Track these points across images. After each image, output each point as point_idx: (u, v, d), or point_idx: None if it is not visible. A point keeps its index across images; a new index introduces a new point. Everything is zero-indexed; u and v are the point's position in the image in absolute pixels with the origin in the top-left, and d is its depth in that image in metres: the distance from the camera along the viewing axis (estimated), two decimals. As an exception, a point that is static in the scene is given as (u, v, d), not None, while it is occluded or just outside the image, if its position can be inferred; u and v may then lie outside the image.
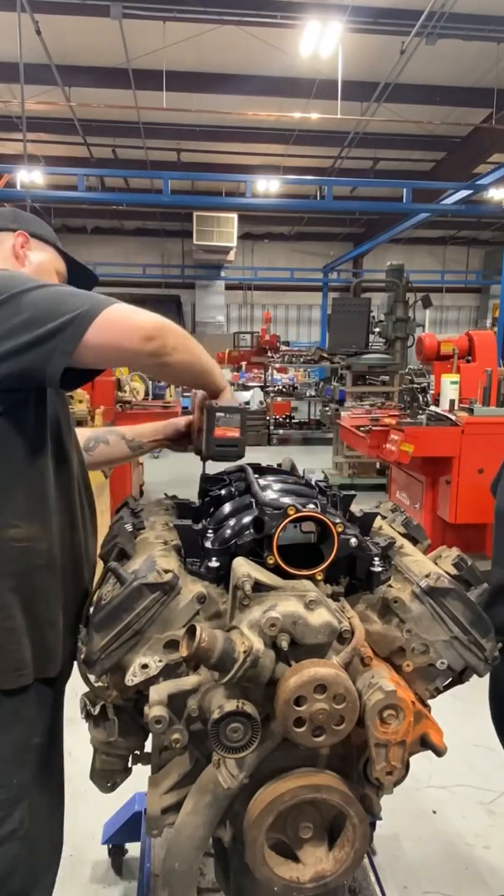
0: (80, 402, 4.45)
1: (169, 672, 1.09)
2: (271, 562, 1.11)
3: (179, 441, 1.64)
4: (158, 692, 1.05)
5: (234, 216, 14.14)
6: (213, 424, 1.36)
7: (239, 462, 1.54)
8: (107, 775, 1.33)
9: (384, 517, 1.50)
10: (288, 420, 12.18)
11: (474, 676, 1.21)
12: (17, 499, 1.21)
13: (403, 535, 1.41)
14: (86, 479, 1.45)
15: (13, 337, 1.12)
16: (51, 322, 1.12)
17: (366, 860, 1.77)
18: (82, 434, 1.63)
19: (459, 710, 2.53)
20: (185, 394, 9.37)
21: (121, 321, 1.17)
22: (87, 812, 2.24)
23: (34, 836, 1.24)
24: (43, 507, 1.24)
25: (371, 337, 8.65)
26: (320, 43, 7.47)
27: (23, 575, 1.20)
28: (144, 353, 1.17)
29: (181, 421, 1.64)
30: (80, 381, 1.24)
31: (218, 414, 1.36)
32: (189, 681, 1.08)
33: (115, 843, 2.23)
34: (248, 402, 11.57)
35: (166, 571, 1.09)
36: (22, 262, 1.40)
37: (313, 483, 1.45)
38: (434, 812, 2.56)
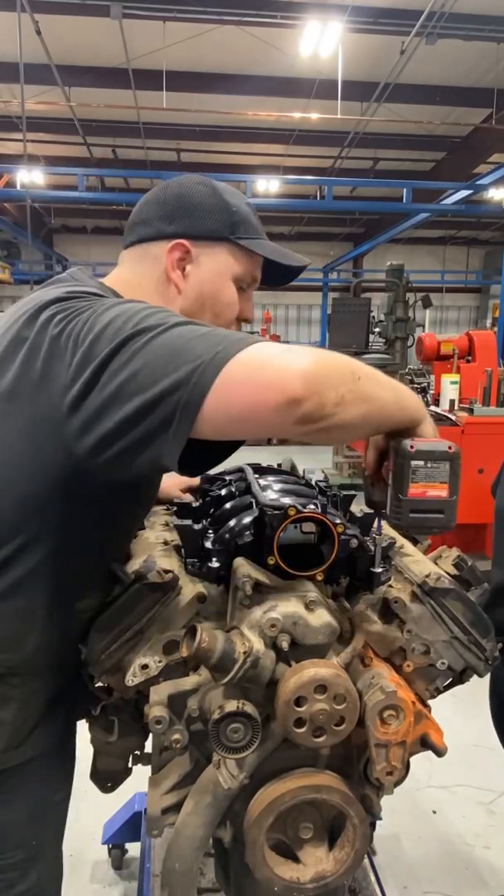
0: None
1: (169, 672, 1.09)
2: (271, 562, 1.11)
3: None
4: (158, 692, 1.05)
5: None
6: (406, 478, 0.93)
7: (238, 463, 1.53)
8: (107, 775, 1.33)
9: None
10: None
11: (474, 677, 1.21)
12: (92, 568, 1.08)
13: (404, 536, 1.41)
14: None
15: (122, 401, 0.82)
16: (163, 381, 0.81)
17: (366, 860, 1.77)
18: None
19: (460, 710, 2.53)
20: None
21: (253, 377, 0.80)
22: (87, 812, 2.24)
23: (46, 891, 1.21)
24: (108, 574, 1.10)
25: (371, 337, 8.65)
26: (320, 43, 7.48)
27: (72, 646, 1.10)
28: (290, 423, 0.82)
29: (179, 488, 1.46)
30: (214, 459, 0.94)
31: (414, 463, 0.93)
32: (189, 681, 1.08)
33: (115, 843, 2.23)
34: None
35: (166, 572, 1.09)
36: (178, 290, 1.07)
37: (313, 483, 1.45)
38: (434, 812, 2.56)
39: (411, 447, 0.93)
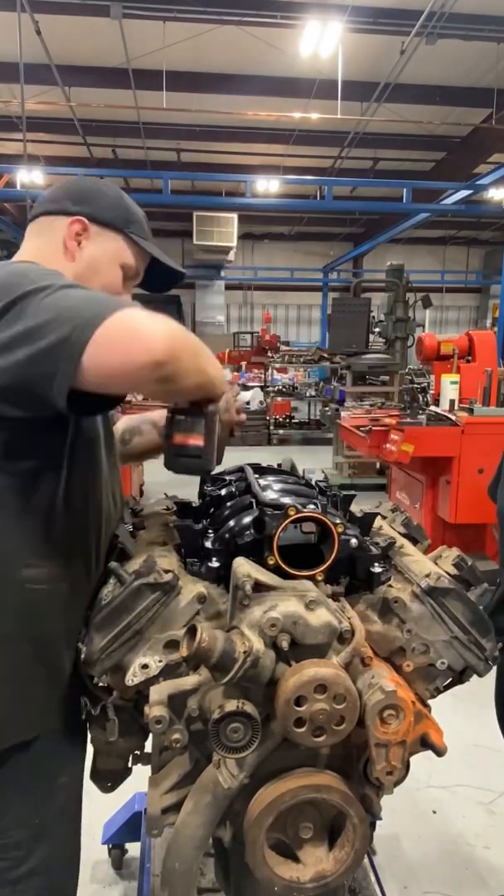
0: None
1: (169, 672, 1.09)
2: (272, 562, 1.11)
3: None
4: (159, 692, 1.05)
5: (234, 216, 14.13)
6: (171, 430, 1.14)
7: (239, 462, 1.53)
8: (107, 775, 1.33)
9: (384, 517, 1.50)
10: (288, 420, 12.17)
11: (474, 677, 1.21)
12: (33, 534, 1.10)
13: (403, 535, 1.41)
14: (119, 497, 1.35)
15: (12, 350, 0.96)
16: (50, 335, 0.93)
17: (366, 860, 1.77)
18: (118, 426, 1.52)
19: (459, 710, 2.53)
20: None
21: (125, 338, 0.94)
22: (88, 812, 2.23)
23: (55, 873, 1.22)
24: (64, 544, 1.14)
25: (371, 337, 8.65)
26: (320, 43, 7.47)
27: (38, 621, 1.12)
28: (151, 380, 0.97)
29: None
30: (104, 405, 1.08)
31: (178, 417, 1.13)
32: (189, 681, 1.08)
33: (115, 843, 2.23)
34: (247, 403, 11.49)
35: (166, 571, 1.09)
36: (71, 257, 1.20)
37: (313, 483, 1.45)
38: (434, 812, 2.56)
39: (176, 405, 1.14)
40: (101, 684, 1.13)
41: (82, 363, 0.92)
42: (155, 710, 1.02)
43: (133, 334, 0.95)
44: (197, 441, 1.12)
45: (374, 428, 5.01)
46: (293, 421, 12.33)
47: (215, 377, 1.10)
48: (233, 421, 1.40)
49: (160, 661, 1.08)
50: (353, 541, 1.15)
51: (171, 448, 1.14)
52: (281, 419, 11.97)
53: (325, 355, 12.09)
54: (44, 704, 1.16)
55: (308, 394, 12.37)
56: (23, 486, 1.09)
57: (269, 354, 13.08)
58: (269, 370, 12.95)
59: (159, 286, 1.40)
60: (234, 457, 1.57)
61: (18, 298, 0.98)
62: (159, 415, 1.52)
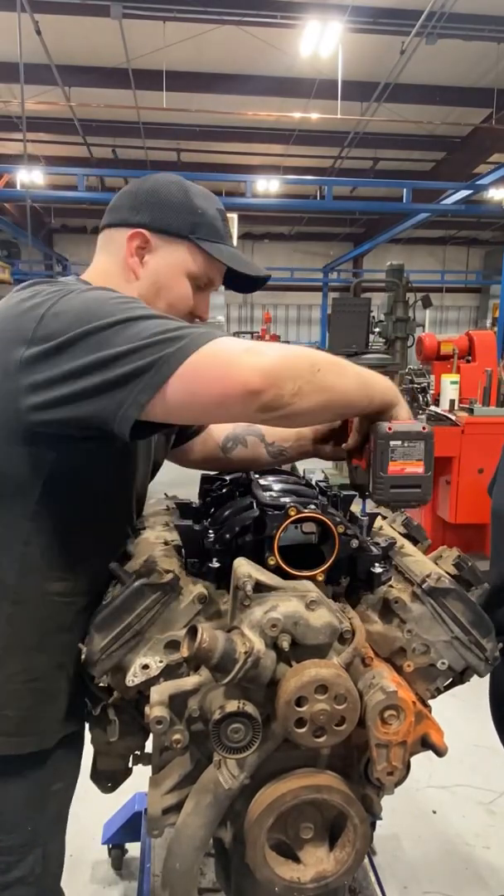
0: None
1: (170, 672, 1.09)
2: (272, 562, 1.11)
3: (329, 448, 1.37)
4: (159, 693, 1.05)
5: (235, 216, 14.08)
6: (386, 457, 1.01)
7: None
8: (107, 776, 1.33)
9: (384, 517, 1.50)
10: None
11: (475, 677, 1.21)
12: (64, 549, 1.09)
13: (404, 536, 1.41)
14: (140, 507, 1.34)
15: (82, 378, 0.93)
16: (126, 366, 0.90)
17: (366, 860, 1.77)
18: (221, 430, 1.46)
19: (460, 710, 2.53)
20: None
21: (219, 366, 0.90)
22: (87, 812, 2.24)
23: (44, 881, 1.21)
24: (94, 558, 1.13)
25: (371, 337, 8.64)
26: (320, 43, 7.49)
27: (59, 633, 1.12)
28: (251, 411, 0.92)
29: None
30: (155, 428, 1.03)
31: (393, 443, 1.01)
32: (190, 681, 1.08)
33: (116, 844, 2.23)
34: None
35: (167, 572, 1.09)
36: (135, 275, 1.14)
37: (313, 483, 1.45)
38: (434, 812, 2.56)
39: (389, 429, 1.02)
40: (101, 684, 1.13)
41: (162, 394, 0.90)
42: (156, 711, 1.02)
43: (226, 365, 0.91)
44: (416, 469, 1.03)
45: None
46: (293, 421, 12.32)
47: (358, 392, 1.02)
48: None
49: (161, 662, 1.08)
50: (354, 541, 1.15)
51: (384, 478, 1.03)
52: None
53: (325, 355, 12.07)
54: (62, 714, 1.16)
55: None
56: (60, 502, 1.08)
57: (269, 354, 13.08)
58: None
59: (245, 286, 1.31)
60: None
61: (94, 330, 0.93)
62: (266, 429, 1.44)
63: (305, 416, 1.00)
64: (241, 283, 1.29)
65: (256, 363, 0.91)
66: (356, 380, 1.03)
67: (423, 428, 1.03)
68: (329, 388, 0.98)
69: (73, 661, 1.15)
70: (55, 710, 1.16)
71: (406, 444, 1.02)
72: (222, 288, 1.30)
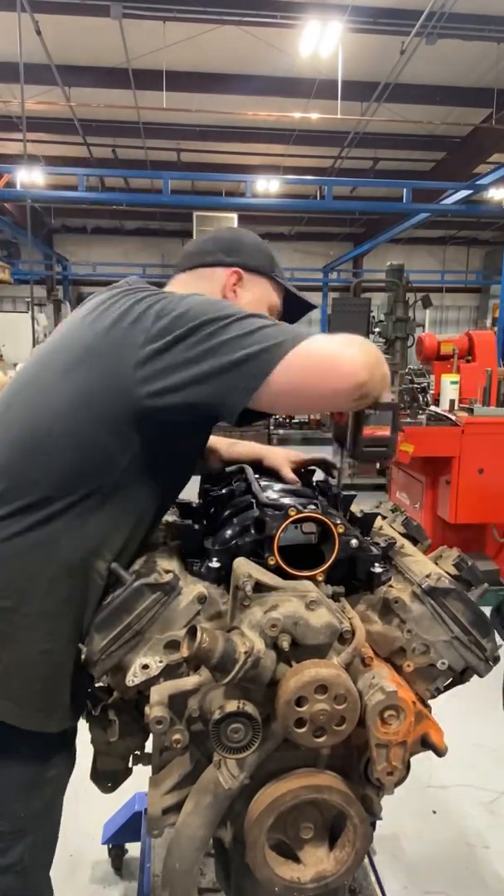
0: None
1: (170, 672, 1.09)
2: (272, 562, 1.12)
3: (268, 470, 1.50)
4: (159, 693, 1.05)
5: (234, 216, 14.10)
6: (360, 423, 1.23)
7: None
8: (107, 776, 1.33)
9: (384, 517, 1.50)
10: (288, 420, 12.17)
11: (475, 677, 1.21)
12: (120, 531, 1.15)
13: (404, 536, 1.41)
14: None
15: (195, 364, 1.03)
16: (239, 351, 1.01)
17: (366, 860, 1.77)
18: None
19: (460, 710, 2.52)
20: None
21: (325, 361, 1.03)
22: (87, 812, 2.24)
23: (31, 870, 1.20)
24: (133, 543, 1.19)
25: (371, 337, 8.64)
26: (320, 43, 7.47)
27: (83, 607, 1.14)
28: (354, 399, 1.05)
29: (279, 455, 1.52)
30: (256, 417, 1.13)
31: (367, 411, 1.22)
32: (190, 681, 1.08)
33: (116, 843, 2.23)
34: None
35: (167, 572, 1.09)
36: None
37: (314, 483, 1.45)
38: (434, 812, 2.56)
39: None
40: (101, 684, 1.13)
41: (269, 382, 1.00)
42: (155, 711, 1.02)
43: (331, 363, 1.02)
44: (384, 432, 1.25)
45: (374, 428, 5.00)
46: (293, 421, 12.33)
47: (388, 374, 1.16)
48: None
49: (161, 662, 1.08)
50: (354, 541, 1.15)
51: (360, 440, 1.24)
52: (281, 419, 11.97)
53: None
54: (67, 699, 1.16)
55: (308, 394, 12.34)
56: (142, 484, 1.15)
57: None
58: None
59: (293, 317, 1.47)
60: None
61: (208, 322, 1.05)
62: (223, 443, 1.59)
63: (373, 398, 1.12)
64: (292, 314, 1.46)
65: (357, 358, 1.02)
66: (385, 362, 1.16)
67: (392, 399, 1.25)
68: (387, 378, 1.12)
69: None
70: (62, 691, 1.15)
71: (378, 413, 1.23)
72: None
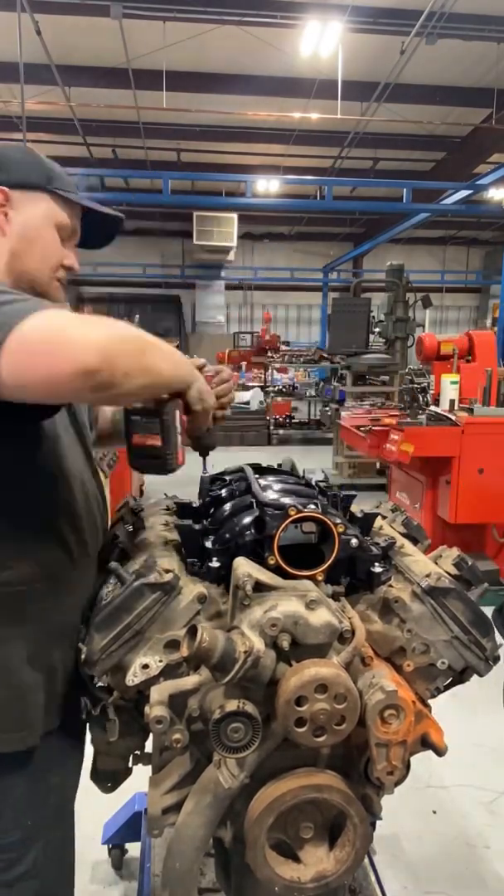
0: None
1: (169, 672, 1.09)
2: (272, 562, 1.11)
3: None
4: (159, 692, 1.05)
5: (234, 216, 14.13)
6: (129, 430, 1.09)
7: (239, 462, 1.53)
8: (107, 775, 1.33)
9: (384, 517, 1.50)
10: (288, 420, 12.18)
11: (475, 676, 1.21)
12: (5, 535, 1.08)
13: (404, 535, 1.41)
14: (98, 488, 1.31)
15: None
16: None
17: (366, 860, 1.77)
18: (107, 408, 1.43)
19: (460, 709, 2.53)
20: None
21: (46, 346, 0.87)
22: (87, 812, 2.23)
23: (48, 875, 1.20)
24: (35, 544, 1.12)
25: (371, 337, 8.65)
26: (320, 43, 7.48)
27: (20, 622, 1.10)
28: (84, 390, 0.89)
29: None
30: (47, 410, 1.03)
31: (133, 418, 1.08)
32: (190, 681, 1.08)
33: (116, 843, 2.23)
34: (247, 402, 11.47)
35: (167, 571, 1.09)
36: (2, 232, 1.13)
37: (313, 483, 1.45)
38: (434, 812, 2.56)
39: (130, 405, 1.08)
40: (101, 684, 1.13)
41: None
42: (155, 710, 1.02)
43: (56, 341, 0.87)
44: (155, 441, 1.07)
45: (374, 428, 5.01)
46: (293, 421, 12.33)
47: (172, 374, 1.04)
48: (208, 411, 1.16)
49: (161, 661, 1.08)
50: (354, 541, 1.15)
51: (132, 449, 1.10)
52: (281, 419, 11.98)
53: (325, 355, 12.10)
54: (42, 707, 1.15)
55: (308, 394, 12.37)
56: None
57: (270, 354, 13.09)
58: (270, 370, 12.96)
59: (99, 240, 1.34)
60: (234, 457, 1.57)
61: None
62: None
63: (129, 397, 1.02)
64: (95, 236, 1.30)
65: (91, 340, 0.87)
66: (172, 363, 1.04)
67: (163, 405, 1.07)
68: (151, 371, 0.98)
69: (46, 653, 1.14)
70: (32, 705, 1.13)
71: (144, 420, 1.07)
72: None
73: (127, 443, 1.10)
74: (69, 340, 0.87)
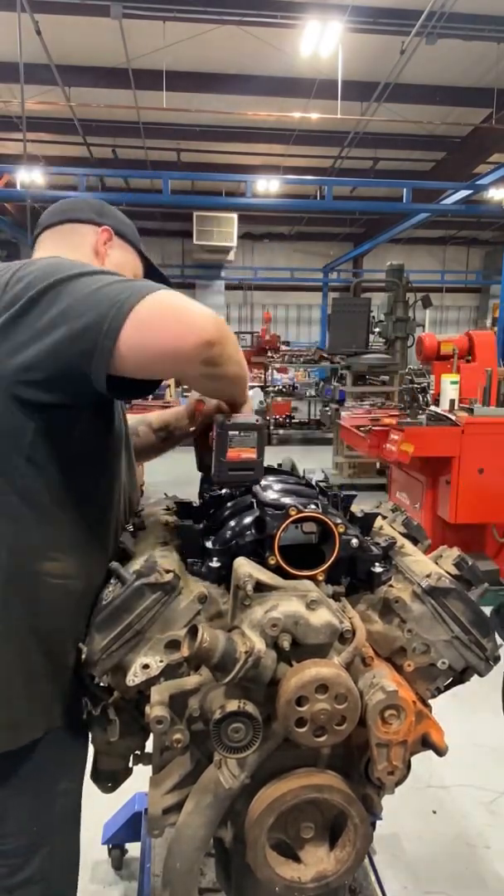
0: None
1: (170, 672, 1.09)
2: (272, 562, 1.11)
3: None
4: (160, 692, 1.05)
5: (234, 216, 14.13)
6: (225, 445, 1.13)
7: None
8: (107, 775, 1.33)
9: (384, 517, 1.50)
10: (288, 420, 12.18)
11: (475, 676, 1.21)
12: (58, 527, 1.10)
13: (404, 535, 1.41)
14: (133, 495, 1.35)
15: (52, 331, 0.96)
16: (89, 312, 0.94)
17: (366, 860, 1.77)
18: None
19: (460, 709, 2.53)
20: (184, 393, 9.35)
21: (171, 317, 0.95)
22: (88, 812, 2.23)
23: (52, 880, 1.20)
24: (86, 538, 1.15)
25: (371, 337, 8.65)
26: (320, 43, 7.48)
27: (51, 616, 1.11)
28: (199, 360, 0.96)
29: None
30: (142, 388, 1.07)
31: (231, 433, 1.13)
32: (190, 681, 1.08)
33: (116, 844, 2.23)
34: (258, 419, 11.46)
35: (167, 571, 1.09)
36: (102, 261, 1.28)
37: (314, 483, 1.45)
38: (434, 812, 2.56)
39: (228, 420, 1.14)
40: (101, 684, 1.13)
41: (121, 341, 0.92)
42: (156, 710, 1.02)
43: (180, 313, 0.96)
44: (250, 455, 1.14)
45: (374, 428, 5.01)
46: (293, 421, 12.33)
47: (246, 377, 1.13)
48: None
49: (161, 662, 1.08)
50: (354, 541, 1.15)
51: (224, 463, 1.14)
52: (281, 419, 11.98)
53: (325, 355, 12.10)
54: (49, 702, 1.15)
55: (308, 394, 12.38)
56: (54, 478, 1.09)
57: (270, 354, 13.09)
58: (270, 370, 12.96)
59: None
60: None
61: (56, 283, 1.00)
62: (155, 416, 1.56)
63: (226, 381, 1.07)
64: None
65: (209, 317, 0.96)
66: (246, 371, 1.12)
67: (256, 420, 1.16)
68: (242, 365, 1.07)
69: (63, 649, 1.14)
70: (42, 697, 1.13)
71: (242, 435, 1.14)
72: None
73: (218, 457, 1.14)
74: (193, 314, 0.96)
